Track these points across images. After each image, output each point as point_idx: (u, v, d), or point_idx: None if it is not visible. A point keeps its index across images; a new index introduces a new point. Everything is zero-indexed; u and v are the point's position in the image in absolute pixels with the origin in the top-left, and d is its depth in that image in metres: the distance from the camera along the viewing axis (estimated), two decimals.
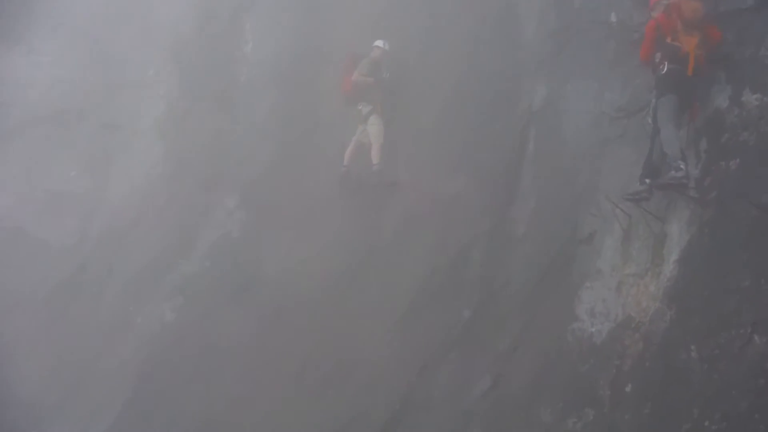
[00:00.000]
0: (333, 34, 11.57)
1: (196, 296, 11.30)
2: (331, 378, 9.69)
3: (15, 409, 11.81)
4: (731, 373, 5.93)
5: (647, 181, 7.21)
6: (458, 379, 8.63)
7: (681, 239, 7.01)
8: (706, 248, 6.68)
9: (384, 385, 9.18)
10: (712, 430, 5.86)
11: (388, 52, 10.81)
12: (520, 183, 9.05)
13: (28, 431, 11.68)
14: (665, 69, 7.27)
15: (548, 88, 9.11)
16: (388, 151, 10.48)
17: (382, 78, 10.73)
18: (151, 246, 12.06)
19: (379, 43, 10.80)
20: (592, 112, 8.46)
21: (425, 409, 8.74)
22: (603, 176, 8.09)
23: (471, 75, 10.03)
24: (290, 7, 12.46)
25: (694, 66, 7.17)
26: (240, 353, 10.51)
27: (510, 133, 9.30)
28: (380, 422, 9.02)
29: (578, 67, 8.78)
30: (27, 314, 12.55)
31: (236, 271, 11.18)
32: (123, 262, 12.30)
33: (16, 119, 13.97)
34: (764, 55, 6.87)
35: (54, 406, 11.72)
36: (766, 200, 6.34)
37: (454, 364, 8.77)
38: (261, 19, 12.88)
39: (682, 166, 6.88)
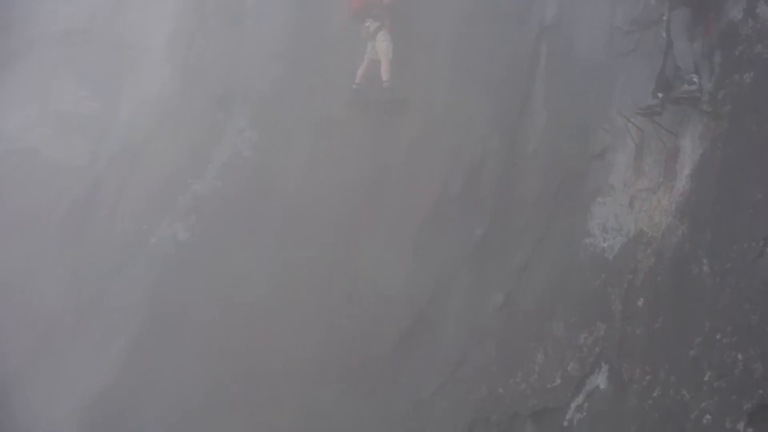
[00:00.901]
0: None
1: (209, 216, 11.36)
2: (344, 295, 9.81)
3: (32, 331, 12.02)
4: (743, 287, 5.96)
5: (660, 95, 7.13)
6: (471, 295, 8.73)
7: (694, 153, 6.98)
8: (719, 162, 6.64)
9: (397, 302, 9.30)
10: (723, 343, 5.92)
11: None
12: (531, 99, 8.99)
13: (46, 352, 11.89)
14: None
15: (559, 2, 8.97)
16: (399, 68, 10.37)
17: None
18: (162, 166, 12.06)
19: None
20: (604, 27, 8.33)
21: (438, 326, 8.88)
22: (615, 91, 8.02)
23: None
24: None
25: None
26: (254, 272, 10.61)
27: (521, 49, 9.19)
28: (394, 339, 9.16)
29: None
30: (41, 236, 12.66)
31: (248, 190, 11.20)
32: (135, 182, 12.33)
33: (25, 41, 13.87)
34: None
35: (70, 327, 11.90)
36: None
37: (467, 281, 8.86)
38: None
39: (695, 80, 6.80)
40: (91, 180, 12.76)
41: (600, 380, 7.23)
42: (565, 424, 7.32)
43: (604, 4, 8.39)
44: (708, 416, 5.85)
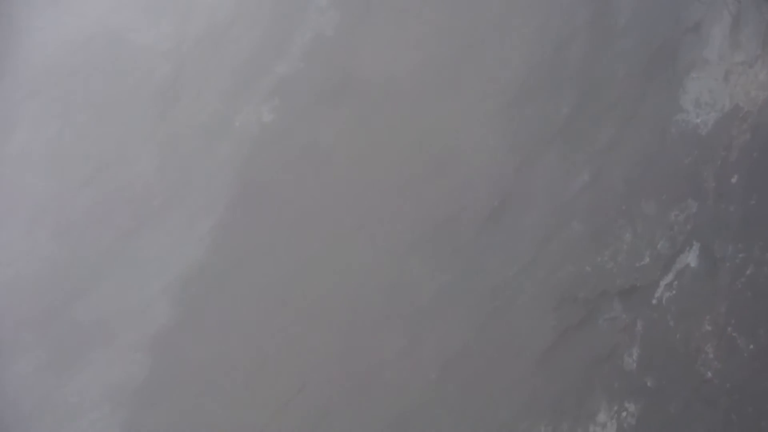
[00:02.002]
0: None
1: (293, 97, 11.35)
2: (429, 174, 9.83)
3: (123, 212, 12.37)
4: None
5: None
6: (558, 173, 8.66)
7: None
8: None
9: (482, 181, 9.28)
10: None
11: None
12: None
13: (137, 228, 12.26)
14: None
15: None
16: None
17: None
18: (245, 48, 12.00)
19: None
20: None
21: (524, 205, 8.87)
22: None
23: None
24: None
25: None
26: (338, 150, 10.66)
27: None
28: (479, 218, 9.19)
29: None
30: (127, 119, 12.86)
31: (331, 70, 11.12)
32: (219, 64, 12.33)
33: None
34: None
35: (159, 207, 12.20)
36: None
37: (554, 159, 8.77)
38: None
39: None
40: (175, 63, 12.79)
41: (691, 258, 7.20)
42: (654, 302, 7.33)
43: None
44: None
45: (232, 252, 11.17)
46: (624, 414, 6.78)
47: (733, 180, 6.97)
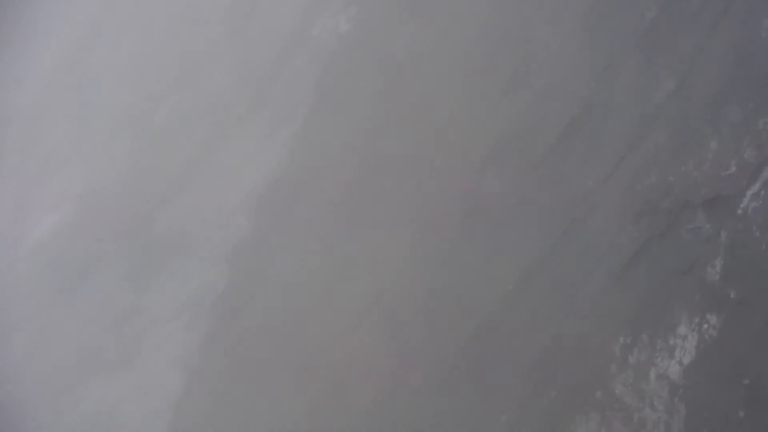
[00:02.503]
0: None
1: (370, 6, 11.23)
2: (506, 85, 9.66)
3: (203, 123, 12.53)
4: None
5: None
6: (640, 81, 8.40)
7: None
8: None
9: (561, 91, 9.09)
10: None
11: None
12: None
13: (216, 139, 12.44)
14: None
15: None
16: None
17: None
18: None
19: None
20: None
21: (604, 115, 8.66)
22: None
23: None
24: None
25: None
26: (415, 61, 10.54)
27: None
28: (560, 127, 9.03)
29: None
30: (206, 31, 12.92)
31: None
32: None
33: None
34: None
35: (238, 118, 12.33)
36: None
37: (636, 66, 8.50)
38: None
39: None
40: None
41: None
42: (739, 212, 7.12)
43: None
44: None
45: (310, 162, 11.25)
46: (705, 326, 6.66)
47: None
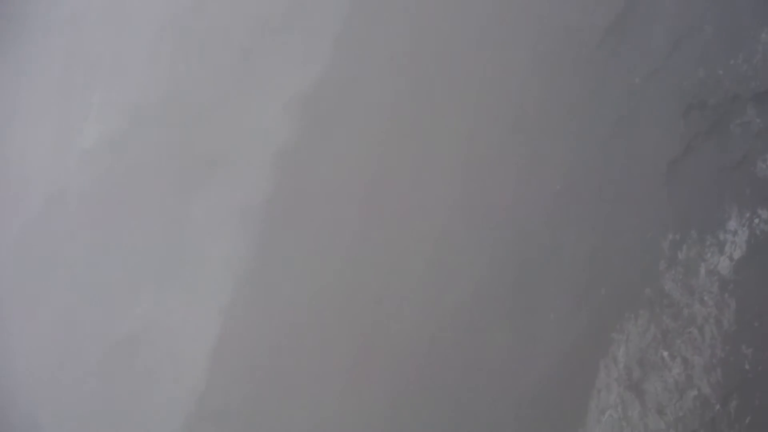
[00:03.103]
0: None
1: None
2: None
3: (244, 26, 12.40)
4: None
5: None
6: None
7: None
8: None
9: None
10: None
11: None
12: None
13: (256, 47, 12.34)
14: None
15: None
16: None
17: None
18: None
19: None
20: None
21: (651, 10, 8.44)
22: None
23: None
24: None
25: None
26: None
27: None
28: (603, 26, 8.82)
29: None
30: None
31: None
32: None
33: None
34: None
35: (277, 26, 12.20)
36: None
37: None
38: None
39: None
40: None
41: None
42: None
43: None
44: None
45: (352, 67, 11.17)
46: (756, 221, 6.63)
47: None
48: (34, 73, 16.48)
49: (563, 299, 8.09)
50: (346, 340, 9.82)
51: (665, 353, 6.88)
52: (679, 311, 6.89)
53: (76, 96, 15.57)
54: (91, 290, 13.40)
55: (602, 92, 8.70)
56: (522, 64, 9.48)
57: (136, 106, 14.02)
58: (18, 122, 16.43)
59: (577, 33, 9.05)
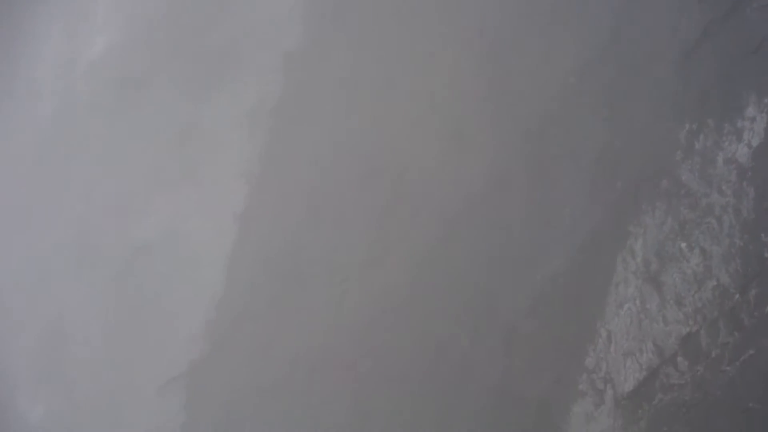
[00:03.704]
0: None
1: None
2: None
3: None
4: None
5: None
6: None
7: None
8: None
9: None
10: None
11: None
12: None
13: None
14: None
15: None
16: None
17: None
18: None
19: None
20: None
21: None
22: None
23: None
24: None
25: None
26: None
27: None
28: None
29: None
30: None
31: None
32: None
33: None
34: None
35: None
36: None
37: None
38: None
39: None
40: None
41: None
42: None
43: None
44: None
45: None
46: None
47: None
48: None
49: (578, 194, 8.04)
50: (365, 226, 9.87)
51: (683, 244, 6.86)
52: (696, 202, 6.85)
53: (80, 8, 15.37)
54: (106, 200, 13.45)
55: None
56: None
57: (143, 12, 13.82)
58: (21, 39, 16.27)
59: None
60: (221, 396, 10.79)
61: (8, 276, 14.26)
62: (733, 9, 7.26)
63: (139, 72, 13.51)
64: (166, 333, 11.87)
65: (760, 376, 6.03)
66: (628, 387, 6.85)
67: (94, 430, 12.16)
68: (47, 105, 15.17)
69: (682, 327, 6.65)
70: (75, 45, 15.04)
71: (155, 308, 12.19)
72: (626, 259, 7.31)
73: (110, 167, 13.52)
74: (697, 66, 7.43)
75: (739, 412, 6.10)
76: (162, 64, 13.13)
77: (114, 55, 14.11)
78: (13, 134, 15.54)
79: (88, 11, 15.01)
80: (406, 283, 9.23)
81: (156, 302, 12.22)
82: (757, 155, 6.52)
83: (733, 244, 6.47)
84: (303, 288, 10.33)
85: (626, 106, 7.86)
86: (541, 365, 7.62)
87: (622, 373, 6.93)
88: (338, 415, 9.38)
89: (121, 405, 11.98)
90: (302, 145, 11.10)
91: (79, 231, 13.53)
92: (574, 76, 8.40)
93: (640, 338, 6.89)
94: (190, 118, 12.51)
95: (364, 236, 9.85)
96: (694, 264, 6.71)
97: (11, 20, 16.33)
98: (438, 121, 9.67)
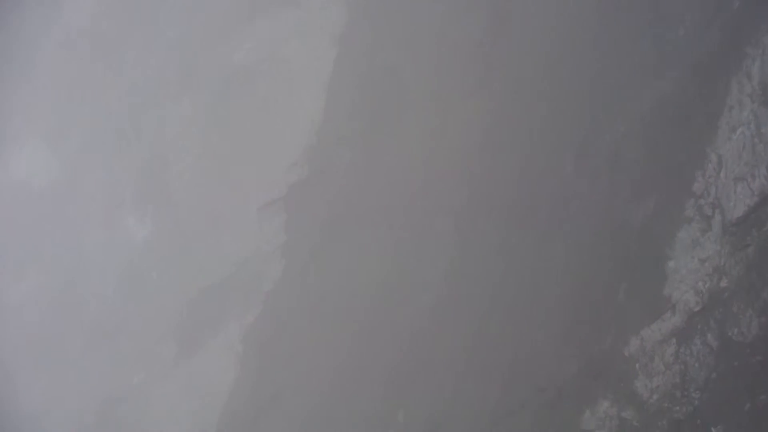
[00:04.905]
0: None
1: None
2: None
3: None
4: None
5: None
6: None
7: None
8: None
9: None
10: None
11: None
12: None
13: None
14: None
15: None
16: None
17: None
18: None
19: None
20: None
21: None
22: None
23: None
24: None
25: None
26: None
27: None
28: None
29: None
30: None
31: None
32: None
33: None
34: None
35: None
36: None
37: None
38: None
39: None
40: None
41: None
42: None
43: None
44: None
45: None
46: None
47: None
48: None
49: (694, 12, 7.59)
50: (468, 50, 9.72)
51: None
52: None
53: None
54: (206, 23, 13.40)
55: None
56: None
57: None
58: None
59: None
60: (319, 219, 10.97)
61: (115, 96, 14.41)
62: None
63: None
64: (266, 157, 12.01)
65: None
66: (738, 213, 6.59)
67: (198, 249, 12.57)
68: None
69: None
70: None
71: (255, 133, 12.31)
72: (741, 82, 6.93)
73: None
74: None
75: None
76: None
77: None
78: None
79: None
80: (509, 110, 9.07)
81: (256, 127, 12.33)
82: None
83: None
84: (401, 112, 10.25)
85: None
86: (646, 190, 7.42)
87: (732, 199, 6.67)
88: (443, 242, 9.43)
89: (224, 226, 12.31)
90: None
91: (180, 54, 13.57)
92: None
93: (753, 163, 6.59)
94: None
95: (470, 57, 9.66)
96: None
97: None
98: None
